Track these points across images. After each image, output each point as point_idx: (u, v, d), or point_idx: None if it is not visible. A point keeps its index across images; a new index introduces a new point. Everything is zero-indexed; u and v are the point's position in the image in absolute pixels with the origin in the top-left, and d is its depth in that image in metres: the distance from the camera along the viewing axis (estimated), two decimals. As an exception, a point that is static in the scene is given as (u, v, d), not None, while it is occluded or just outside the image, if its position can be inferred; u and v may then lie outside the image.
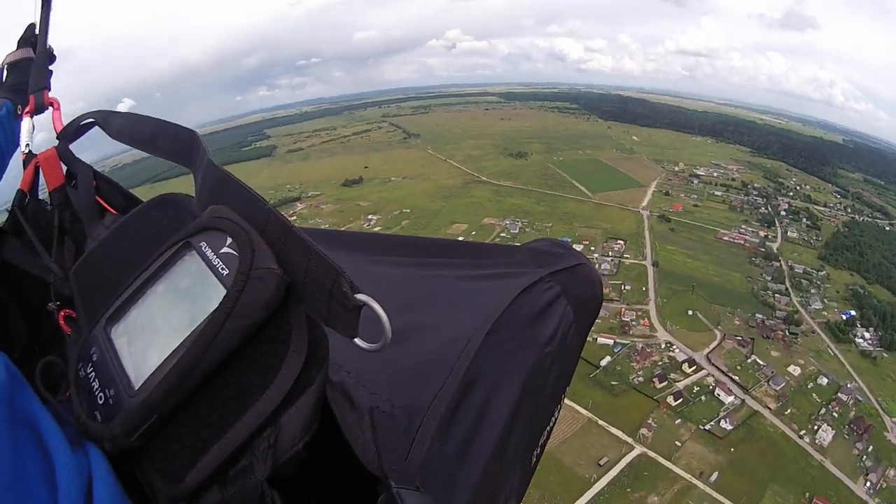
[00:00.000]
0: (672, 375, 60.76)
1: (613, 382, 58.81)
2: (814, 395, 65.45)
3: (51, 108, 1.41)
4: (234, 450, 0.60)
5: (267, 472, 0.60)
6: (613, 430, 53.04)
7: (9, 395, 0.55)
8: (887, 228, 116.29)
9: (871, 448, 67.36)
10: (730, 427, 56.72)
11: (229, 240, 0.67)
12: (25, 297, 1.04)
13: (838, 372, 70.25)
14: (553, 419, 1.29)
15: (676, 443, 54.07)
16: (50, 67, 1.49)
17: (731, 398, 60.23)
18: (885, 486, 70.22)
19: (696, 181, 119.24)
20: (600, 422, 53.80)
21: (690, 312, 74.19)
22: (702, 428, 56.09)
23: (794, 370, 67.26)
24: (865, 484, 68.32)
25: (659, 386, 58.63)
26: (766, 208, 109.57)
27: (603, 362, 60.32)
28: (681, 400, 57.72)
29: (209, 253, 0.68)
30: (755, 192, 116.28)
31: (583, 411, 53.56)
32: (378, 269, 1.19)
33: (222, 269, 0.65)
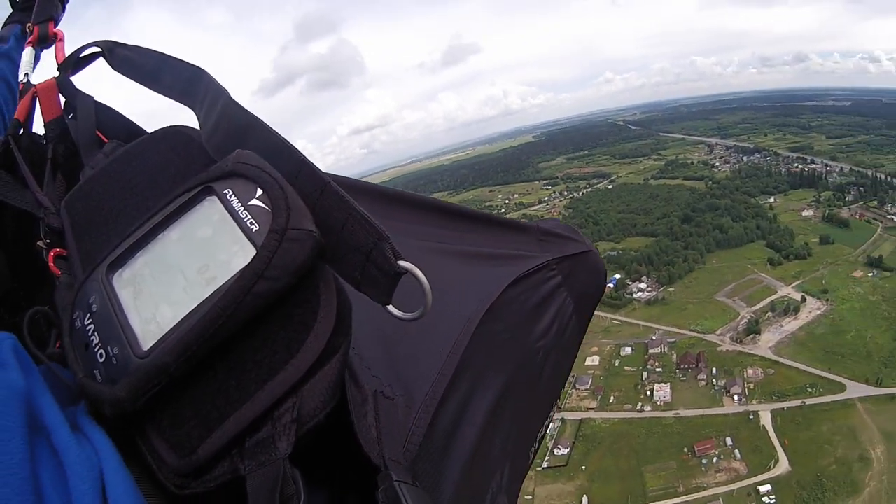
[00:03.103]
0: (483, 448, 63.84)
1: None
2: (625, 368, 70.41)
3: (55, 41, 1.31)
4: (252, 420, 0.55)
5: (289, 449, 0.55)
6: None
7: (27, 402, 0.52)
8: (609, 187, 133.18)
9: (714, 370, 72.16)
10: (566, 451, 59.02)
11: (259, 191, 0.61)
12: (11, 235, 0.96)
13: (636, 334, 76.75)
14: (551, 414, 1.28)
15: (527, 497, 54.97)
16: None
17: (549, 426, 63.50)
18: (751, 387, 74.08)
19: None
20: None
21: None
22: (541, 469, 57.70)
23: (593, 360, 71.98)
24: (734, 399, 71.24)
25: (476, 465, 61.33)
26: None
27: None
28: (504, 461, 60.45)
29: (235, 203, 0.62)
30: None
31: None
32: None
33: (251, 223, 0.60)
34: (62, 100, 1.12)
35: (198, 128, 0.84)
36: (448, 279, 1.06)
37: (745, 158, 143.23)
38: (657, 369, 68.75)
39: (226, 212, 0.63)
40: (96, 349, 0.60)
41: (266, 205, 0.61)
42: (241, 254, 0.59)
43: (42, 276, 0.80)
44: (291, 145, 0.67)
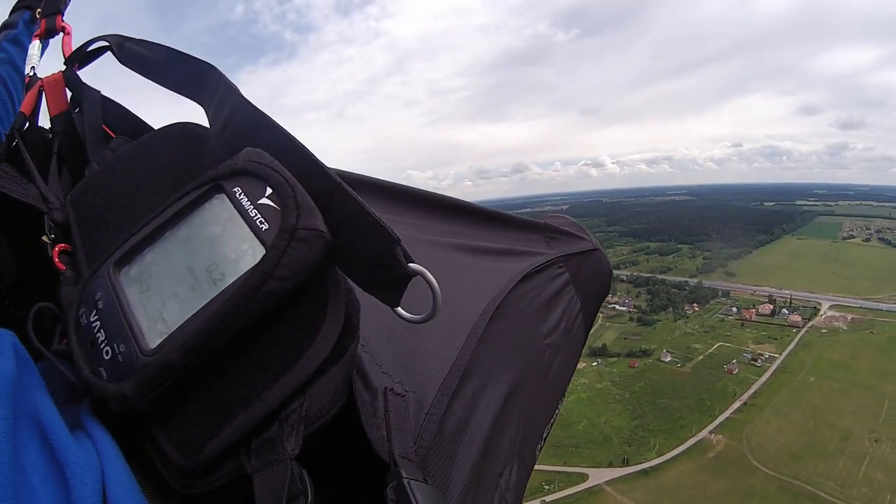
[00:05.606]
0: None
1: None
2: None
3: (62, 34, 1.28)
4: (260, 420, 0.55)
5: (297, 449, 0.55)
6: None
7: (13, 388, 0.49)
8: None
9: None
10: None
11: (269, 190, 0.60)
12: (17, 230, 0.93)
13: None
14: (556, 412, 1.23)
15: None
16: None
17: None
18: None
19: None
20: None
21: None
22: None
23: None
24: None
25: None
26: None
27: None
28: None
29: (244, 201, 0.61)
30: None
31: None
32: None
33: (261, 222, 0.59)
34: (68, 94, 1.09)
35: (206, 125, 0.81)
36: (457, 274, 1.07)
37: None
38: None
39: (235, 210, 0.61)
40: (102, 346, 0.59)
41: (276, 203, 0.59)
42: (251, 253, 0.58)
43: (48, 271, 0.77)
44: (302, 145, 0.65)
